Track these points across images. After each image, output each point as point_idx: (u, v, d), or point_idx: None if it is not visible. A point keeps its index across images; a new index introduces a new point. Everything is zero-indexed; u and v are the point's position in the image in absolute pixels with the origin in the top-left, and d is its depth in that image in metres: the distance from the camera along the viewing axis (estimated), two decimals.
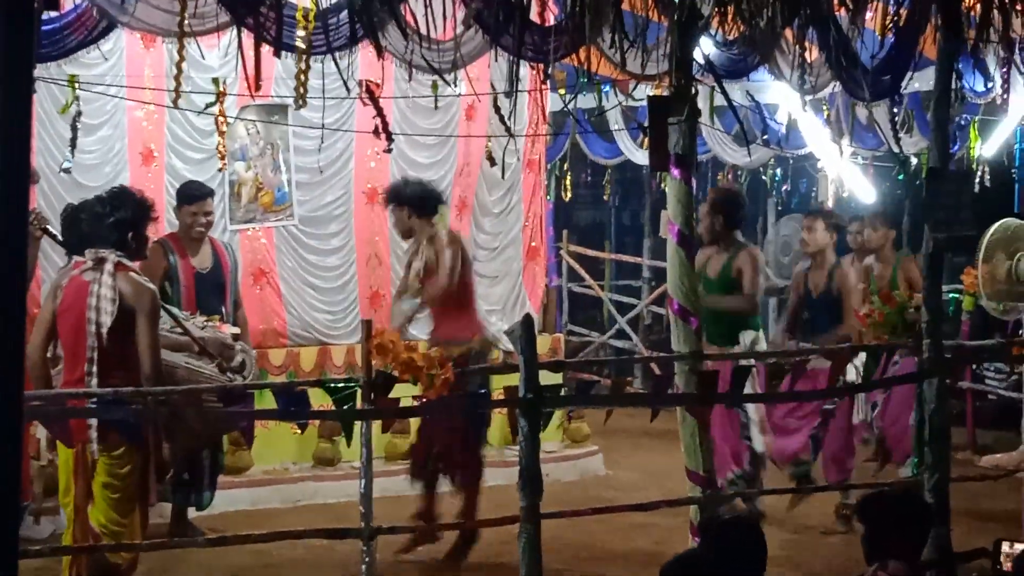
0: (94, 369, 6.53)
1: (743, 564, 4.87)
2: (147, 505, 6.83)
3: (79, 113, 8.61)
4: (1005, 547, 6.08)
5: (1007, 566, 5.97)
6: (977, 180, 11.88)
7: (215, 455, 8.57)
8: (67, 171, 8.86)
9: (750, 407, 8.55)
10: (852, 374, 8.55)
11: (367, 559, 6.47)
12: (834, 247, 9.30)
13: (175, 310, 8.08)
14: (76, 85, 8.23)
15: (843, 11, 6.87)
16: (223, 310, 8.45)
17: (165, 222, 9.20)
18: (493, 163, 10.40)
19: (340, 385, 6.73)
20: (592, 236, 18.88)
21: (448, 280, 8.18)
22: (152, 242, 8.35)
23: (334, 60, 6.42)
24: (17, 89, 2.59)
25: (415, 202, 8.37)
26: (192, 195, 8.64)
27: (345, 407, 6.62)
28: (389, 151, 8.85)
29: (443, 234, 8.37)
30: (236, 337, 7.99)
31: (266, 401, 7.22)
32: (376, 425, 7.00)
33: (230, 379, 7.37)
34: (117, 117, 9.31)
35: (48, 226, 8.00)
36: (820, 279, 9.27)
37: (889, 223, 10.75)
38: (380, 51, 6.43)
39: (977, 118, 11.90)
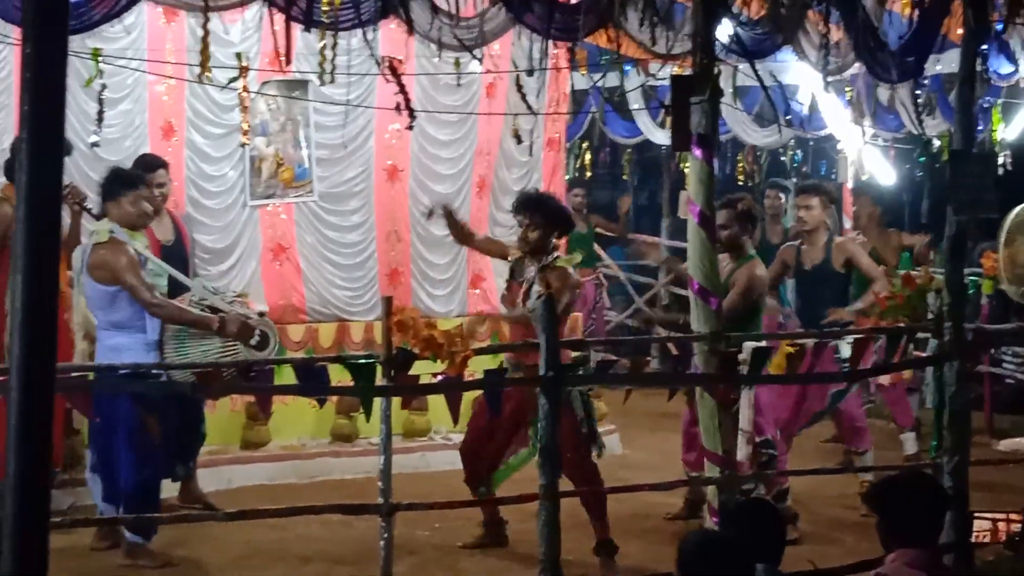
0: None
1: (762, 546, 4.89)
2: None
3: (104, 86, 8.66)
4: None
5: None
6: (999, 163, 11.83)
7: (192, 427, 8.51)
8: (96, 144, 8.90)
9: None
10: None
11: (385, 535, 6.50)
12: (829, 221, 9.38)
13: (204, 284, 8.15)
14: (99, 59, 8.27)
15: None
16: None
17: (186, 198, 9.25)
18: (520, 141, 10.41)
19: (360, 362, 6.76)
20: (610, 215, 18.90)
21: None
22: None
23: (364, 36, 6.42)
24: (52, 64, 2.61)
25: (559, 223, 8.08)
26: (147, 166, 8.58)
27: (365, 384, 6.65)
28: (411, 128, 8.83)
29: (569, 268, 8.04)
30: (262, 314, 8.05)
31: (285, 376, 7.24)
32: (395, 402, 7.05)
33: None
34: (138, 91, 9.35)
35: (85, 202, 8.04)
36: (816, 254, 9.32)
37: (873, 200, 10.87)
38: (411, 27, 6.43)
39: (1000, 101, 11.86)
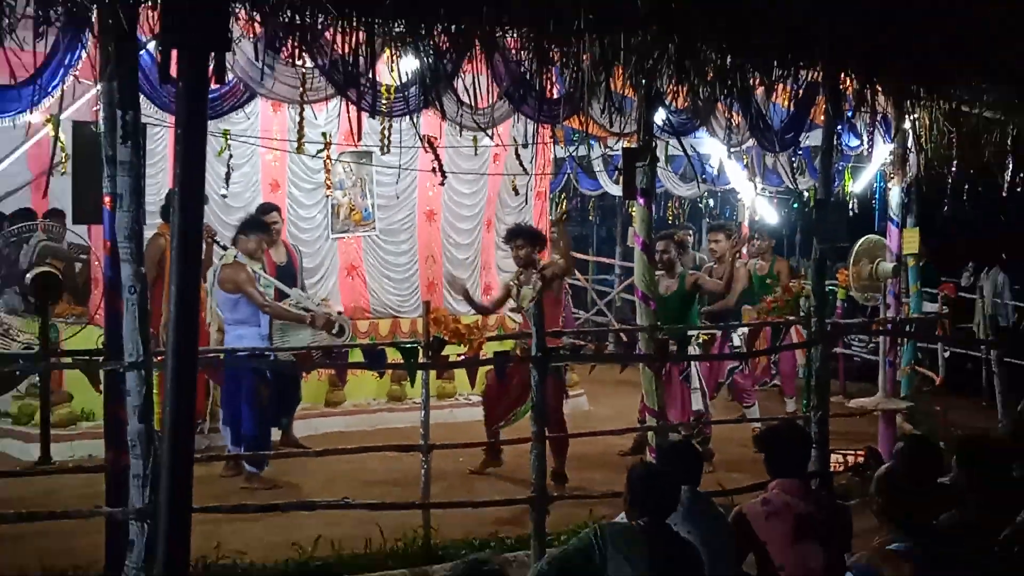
0: None
1: (686, 473, 4.87)
2: None
3: (230, 155, 8.67)
4: None
5: None
6: (849, 208, 11.75)
7: (292, 392, 8.45)
8: (225, 196, 8.91)
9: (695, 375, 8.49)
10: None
11: (425, 466, 6.50)
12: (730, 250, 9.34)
13: (299, 292, 8.15)
14: (227, 136, 8.27)
15: (760, 90, 6.84)
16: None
17: (287, 232, 9.23)
18: (517, 193, 10.44)
19: (407, 346, 6.75)
20: (580, 244, 18.87)
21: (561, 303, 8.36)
22: None
23: (411, 120, 6.38)
24: (196, 141, 2.61)
25: (538, 241, 8.35)
26: (265, 210, 8.55)
27: (411, 361, 6.64)
28: (443, 184, 8.82)
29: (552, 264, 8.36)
30: (340, 313, 8.08)
31: (356, 356, 7.23)
32: (432, 374, 7.02)
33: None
34: (254, 159, 9.35)
35: (216, 237, 8.04)
36: (721, 272, 9.28)
37: (771, 235, 10.85)
38: (443, 114, 6.42)
39: (850, 165, 11.81)
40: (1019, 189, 6.18)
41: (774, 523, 4.78)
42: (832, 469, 7.18)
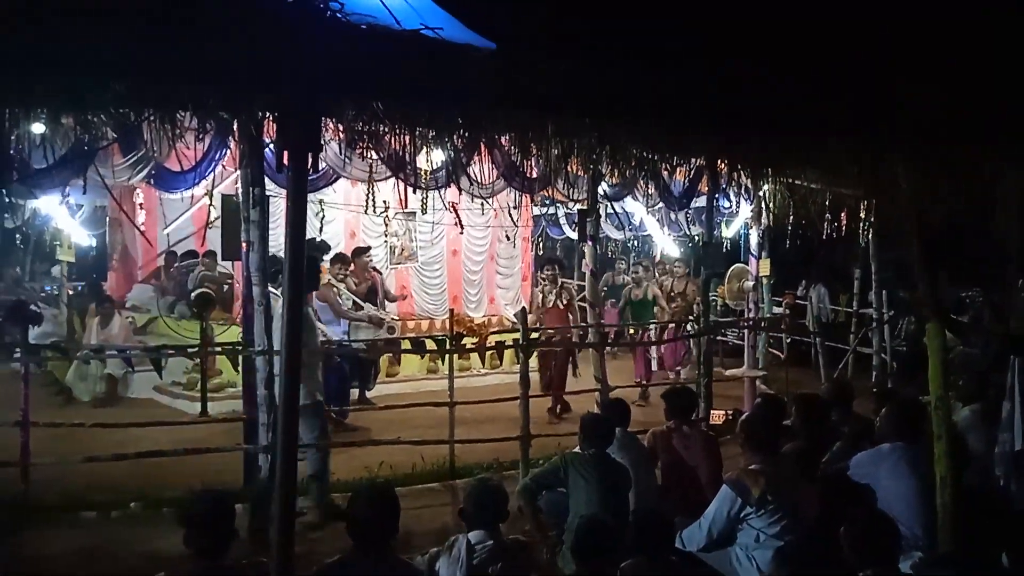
0: None
1: (619, 419, 4.87)
2: None
3: (323, 216, 8.65)
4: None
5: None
6: (725, 247, 11.73)
7: (372, 369, 8.40)
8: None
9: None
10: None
11: (451, 417, 6.47)
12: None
13: (370, 306, 8.11)
14: (321, 203, 8.25)
15: (666, 172, 6.87)
16: (377, 303, 8.36)
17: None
18: (509, 239, 10.42)
19: (439, 337, 6.74)
20: None
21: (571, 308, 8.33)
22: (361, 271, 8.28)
23: (439, 192, 6.39)
24: (300, 207, 2.62)
25: (562, 267, 8.74)
26: (360, 251, 8.45)
27: (441, 347, 6.61)
28: (462, 232, 8.83)
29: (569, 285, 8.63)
30: (393, 320, 8.06)
31: (406, 344, 7.19)
32: (455, 355, 6.98)
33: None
34: (340, 218, 9.30)
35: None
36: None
37: (684, 264, 10.81)
38: (459, 188, 6.43)
39: (724, 219, 11.79)
40: (833, 235, 6.24)
41: (676, 439, 4.84)
42: (711, 420, 7.14)
